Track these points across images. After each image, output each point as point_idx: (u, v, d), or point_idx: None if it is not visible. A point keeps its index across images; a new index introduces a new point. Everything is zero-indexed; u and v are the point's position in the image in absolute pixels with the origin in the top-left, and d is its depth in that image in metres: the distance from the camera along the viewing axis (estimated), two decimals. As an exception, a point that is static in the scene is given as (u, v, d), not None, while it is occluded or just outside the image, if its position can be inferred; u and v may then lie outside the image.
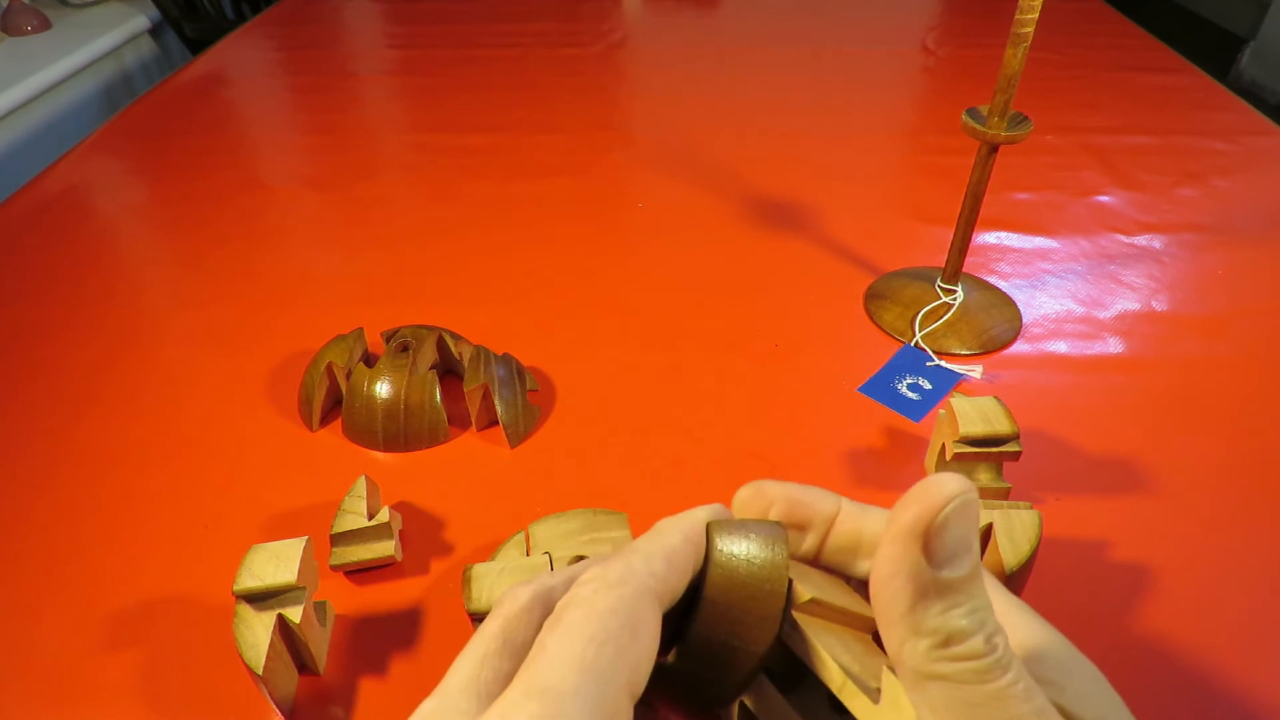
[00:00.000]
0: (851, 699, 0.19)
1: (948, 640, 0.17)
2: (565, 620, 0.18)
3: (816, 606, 0.20)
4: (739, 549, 0.20)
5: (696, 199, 0.78)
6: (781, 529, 0.21)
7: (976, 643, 0.17)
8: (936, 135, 0.90)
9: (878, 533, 0.22)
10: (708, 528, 0.21)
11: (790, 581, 0.20)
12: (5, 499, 0.48)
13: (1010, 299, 0.63)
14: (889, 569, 0.17)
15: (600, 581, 0.18)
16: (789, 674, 0.21)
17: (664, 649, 0.20)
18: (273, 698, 0.35)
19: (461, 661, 0.19)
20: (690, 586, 0.20)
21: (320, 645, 0.38)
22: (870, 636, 0.21)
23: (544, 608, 0.20)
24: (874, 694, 0.18)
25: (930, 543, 0.17)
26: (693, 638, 0.19)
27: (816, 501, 0.22)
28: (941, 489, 0.17)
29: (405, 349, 0.52)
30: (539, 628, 0.19)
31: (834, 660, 0.19)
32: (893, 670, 0.18)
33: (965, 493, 0.17)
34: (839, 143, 0.89)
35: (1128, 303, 0.63)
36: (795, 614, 0.20)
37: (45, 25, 1.80)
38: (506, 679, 0.18)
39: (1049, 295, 0.64)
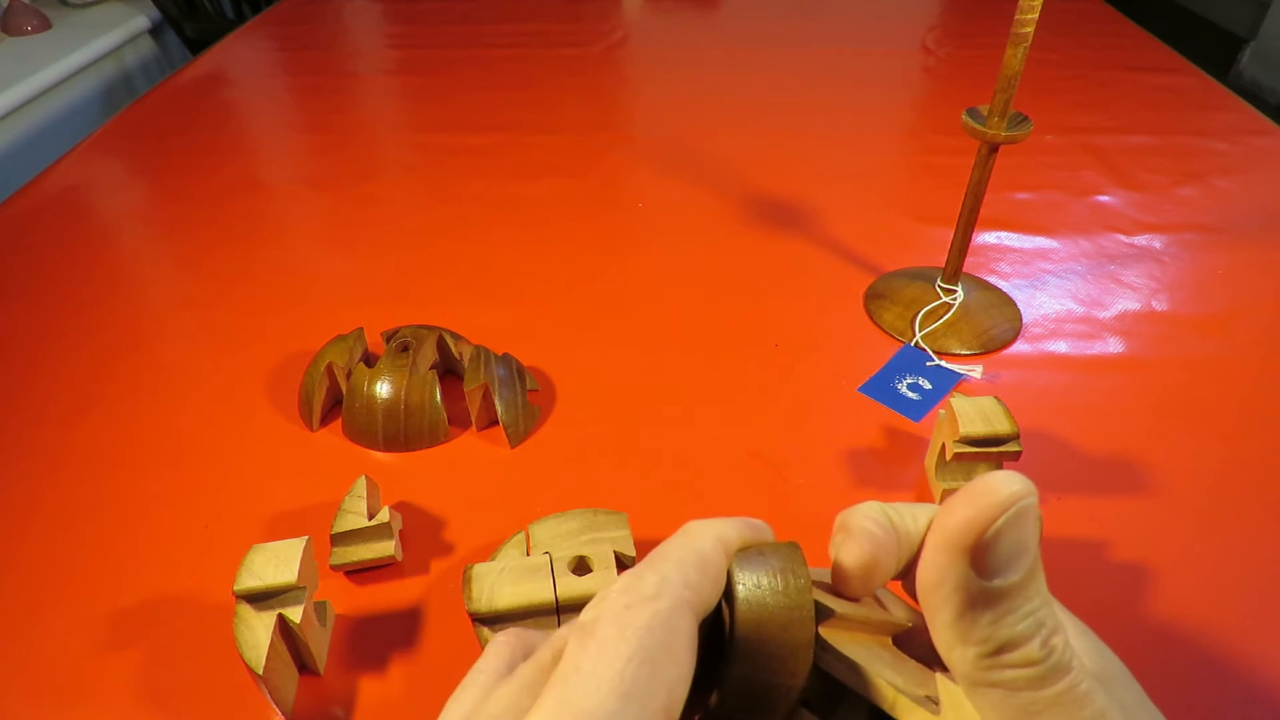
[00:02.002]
0: (907, 713, 0.18)
1: (999, 649, 0.16)
2: (599, 637, 0.16)
3: (840, 621, 0.19)
4: (765, 580, 0.19)
5: (696, 199, 0.78)
6: (799, 549, 0.20)
7: (1031, 649, 0.16)
8: (936, 135, 0.89)
9: (919, 533, 0.22)
10: None
11: (816, 603, 0.19)
12: (5, 499, 0.48)
13: (1010, 299, 0.63)
14: (933, 577, 0.16)
15: (634, 594, 0.17)
16: (824, 702, 0.20)
17: (701, 690, 0.20)
18: (273, 698, 0.35)
19: (459, 694, 0.18)
20: (715, 624, 0.19)
21: (320, 645, 0.38)
22: (890, 640, 0.21)
23: (531, 640, 0.19)
24: (928, 704, 0.18)
25: (979, 556, 0.15)
26: (731, 681, 0.18)
27: (888, 525, 0.21)
28: (995, 494, 0.15)
29: (405, 349, 0.52)
30: (530, 643, 0.18)
31: (878, 675, 0.18)
32: (948, 676, 0.18)
33: (1023, 498, 0.15)
34: (839, 143, 0.89)
35: (1128, 303, 0.63)
36: (822, 632, 0.19)
37: (45, 25, 1.80)
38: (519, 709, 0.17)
39: (1049, 295, 0.64)
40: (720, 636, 0.19)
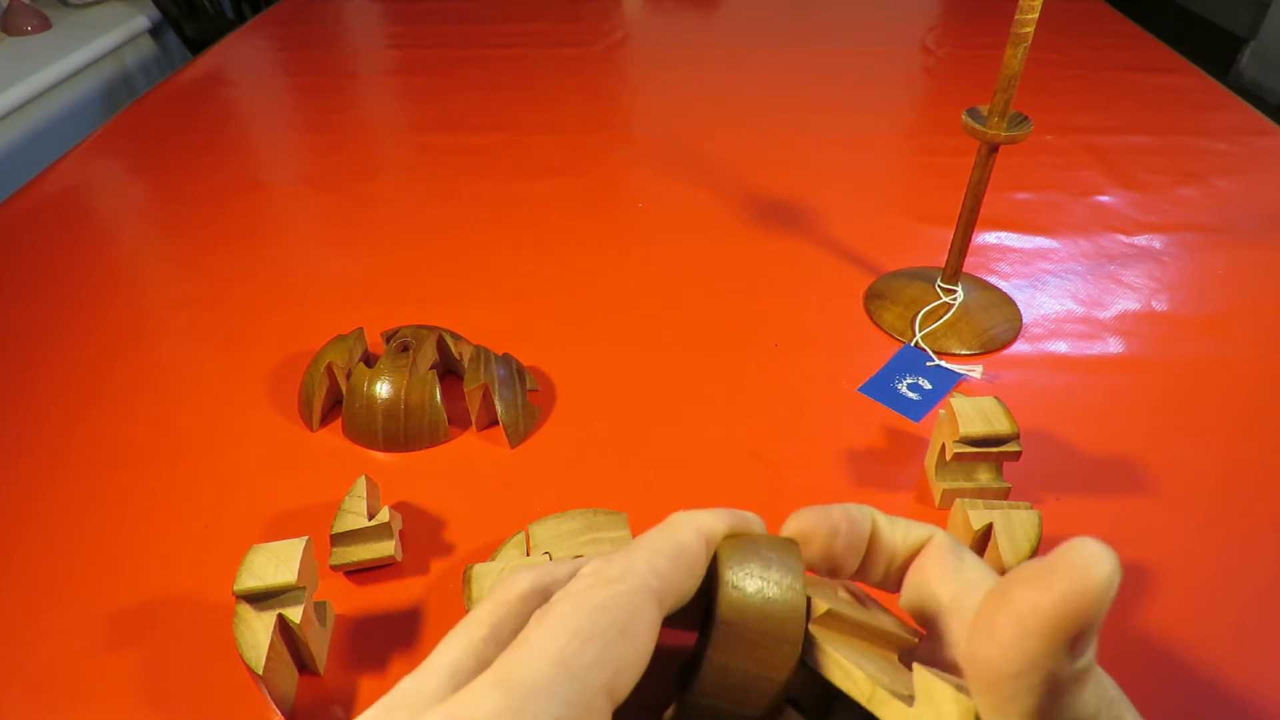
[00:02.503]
0: (882, 706, 0.17)
1: None
2: (553, 612, 0.17)
3: (833, 620, 0.19)
4: (755, 568, 0.19)
5: (696, 199, 0.78)
6: (794, 544, 0.19)
7: None
8: (936, 135, 0.90)
9: (906, 546, 0.22)
10: (717, 548, 0.19)
11: (809, 599, 0.19)
12: (5, 499, 0.48)
13: (1010, 299, 0.63)
14: (1019, 665, 0.14)
15: (597, 576, 0.17)
16: (817, 704, 0.20)
17: (679, 681, 0.19)
18: (273, 698, 0.35)
19: (445, 644, 0.18)
20: (702, 610, 0.19)
21: (320, 645, 0.38)
22: (895, 656, 0.20)
23: (542, 599, 0.19)
24: (906, 699, 0.17)
25: (1081, 639, 0.14)
26: (709, 668, 0.18)
27: (864, 523, 0.21)
28: (1098, 570, 0.14)
29: (405, 349, 0.52)
30: (532, 612, 0.18)
31: (859, 669, 0.18)
32: (927, 669, 0.17)
33: (1118, 571, 0.14)
34: (839, 143, 0.89)
35: (1128, 303, 0.63)
36: (812, 628, 0.19)
37: (45, 25, 1.80)
38: (486, 663, 0.17)
39: (1049, 295, 0.64)
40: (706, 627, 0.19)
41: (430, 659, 0.18)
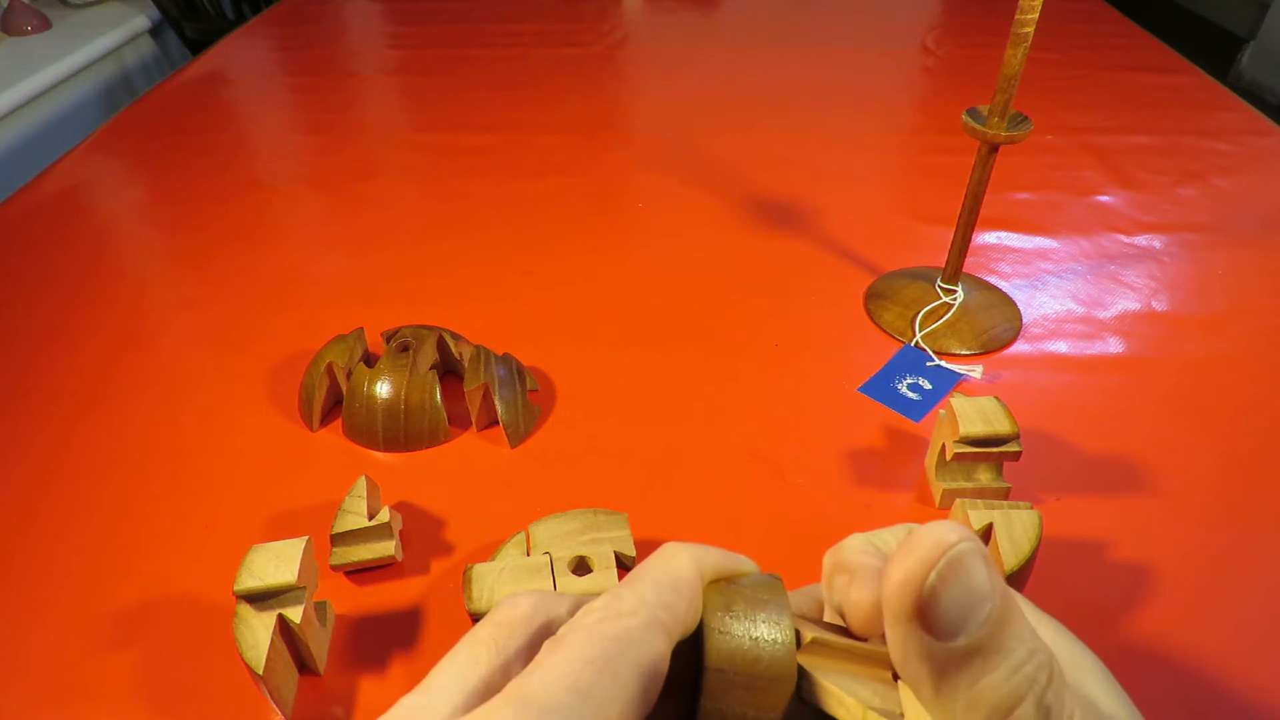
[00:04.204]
0: None
1: (990, 715, 0.15)
2: (567, 641, 0.17)
3: (820, 647, 0.19)
4: (741, 609, 0.19)
5: (696, 199, 0.78)
6: (779, 580, 0.19)
7: (1025, 713, 0.15)
8: (936, 135, 0.90)
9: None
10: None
11: (796, 632, 0.19)
12: (5, 499, 0.48)
13: (1010, 299, 0.63)
14: (897, 652, 0.16)
15: (608, 610, 0.17)
16: None
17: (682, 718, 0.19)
18: (273, 698, 0.35)
19: (449, 661, 0.18)
20: (692, 655, 0.19)
21: (320, 645, 0.38)
22: (889, 674, 0.20)
23: (543, 621, 0.19)
24: (895, 718, 0.17)
25: (925, 617, 0.15)
26: (702, 711, 0.18)
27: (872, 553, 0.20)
28: (919, 549, 0.15)
29: (405, 349, 0.52)
30: (535, 640, 0.18)
31: (850, 695, 0.17)
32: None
33: (952, 546, 0.14)
34: (839, 143, 0.89)
35: (1128, 303, 0.63)
36: (800, 659, 0.18)
37: (45, 25, 1.80)
38: (492, 686, 0.17)
39: (1049, 295, 0.64)
40: (696, 672, 0.19)
41: (432, 678, 0.18)
